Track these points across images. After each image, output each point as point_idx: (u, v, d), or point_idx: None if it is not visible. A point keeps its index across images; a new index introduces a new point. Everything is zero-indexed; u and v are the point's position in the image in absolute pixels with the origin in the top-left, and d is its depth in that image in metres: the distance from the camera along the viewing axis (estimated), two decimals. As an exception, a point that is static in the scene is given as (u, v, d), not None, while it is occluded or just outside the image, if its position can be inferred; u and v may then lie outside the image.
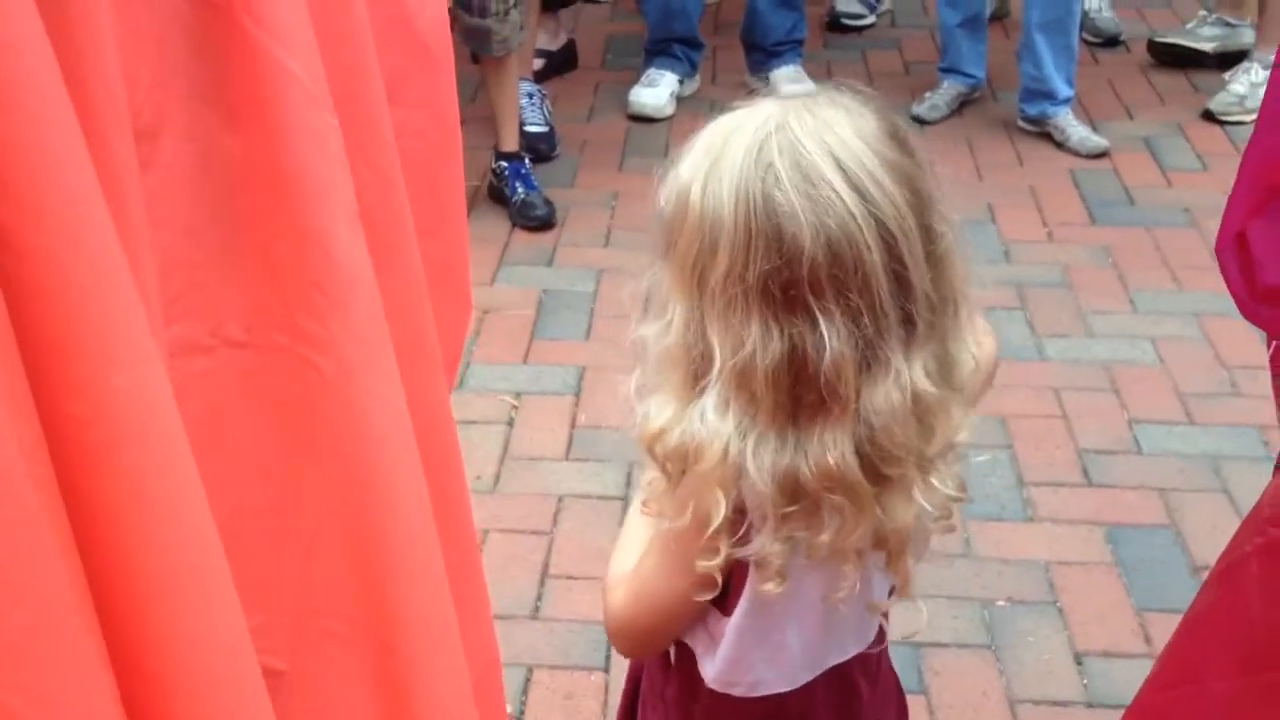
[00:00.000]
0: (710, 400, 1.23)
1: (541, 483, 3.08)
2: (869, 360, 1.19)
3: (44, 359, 0.63)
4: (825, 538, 1.25)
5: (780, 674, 1.43)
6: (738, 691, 1.43)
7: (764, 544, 1.25)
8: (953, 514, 1.34)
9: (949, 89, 4.72)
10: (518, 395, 3.35)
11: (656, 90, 4.73)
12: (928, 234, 1.21)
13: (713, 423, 1.23)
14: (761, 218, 1.18)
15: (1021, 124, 4.60)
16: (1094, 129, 4.56)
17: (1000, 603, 2.73)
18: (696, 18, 4.85)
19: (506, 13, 3.84)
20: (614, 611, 1.43)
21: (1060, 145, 4.50)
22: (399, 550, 0.90)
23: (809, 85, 4.64)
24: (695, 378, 1.25)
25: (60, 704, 0.63)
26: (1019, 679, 2.56)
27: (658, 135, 4.59)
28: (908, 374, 1.20)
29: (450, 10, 3.74)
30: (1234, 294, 1.60)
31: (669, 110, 4.72)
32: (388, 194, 0.95)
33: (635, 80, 4.79)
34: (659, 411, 1.27)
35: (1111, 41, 5.24)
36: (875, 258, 1.17)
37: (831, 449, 1.21)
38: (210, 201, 0.82)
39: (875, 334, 1.18)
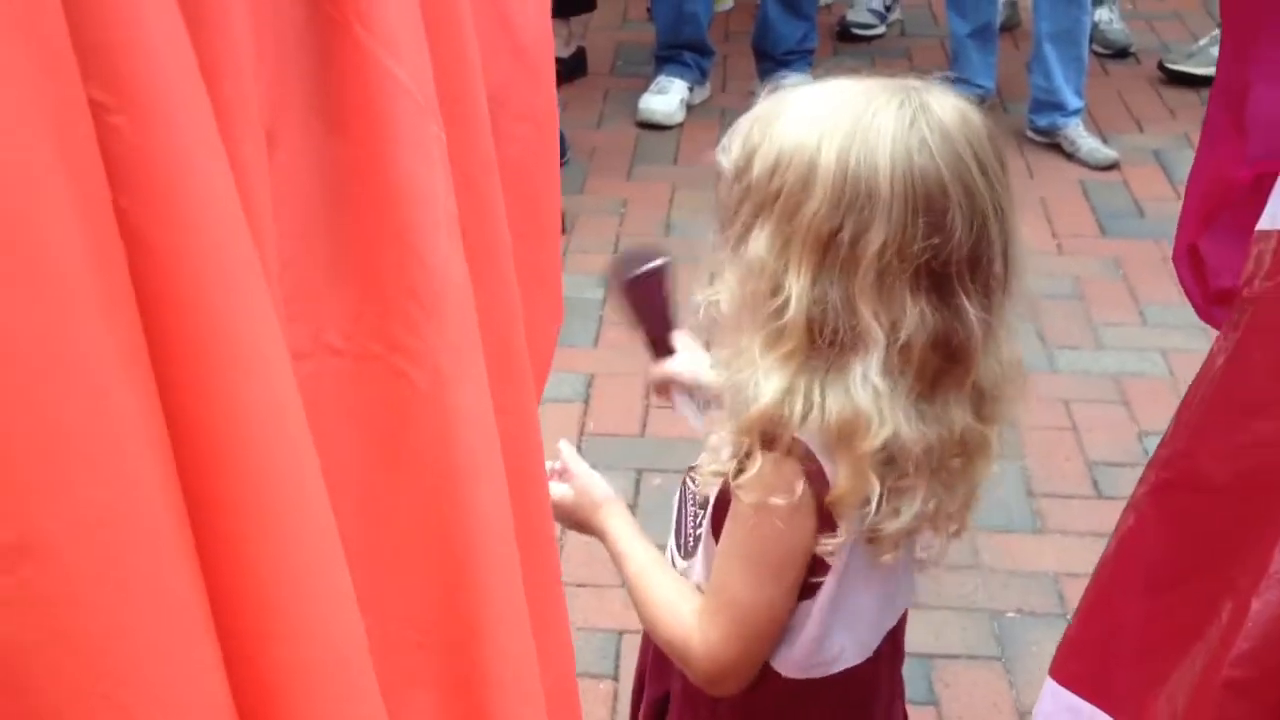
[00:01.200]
0: (872, 376, 1.23)
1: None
2: (988, 333, 1.26)
3: (174, 363, 0.63)
4: (931, 505, 1.30)
5: (858, 642, 1.44)
6: (818, 672, 1.43)
7: (885, 514, 1.28)
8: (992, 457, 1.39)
9: (959, 99, 4.71)
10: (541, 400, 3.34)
11: (666, 97, 4.73)
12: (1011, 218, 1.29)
13: (869, 399, 1.23)
14: (923, 197, 1.20)
15: (1031, 135, 4.59)
16: (1104, 141, 4.56)
17: (1010, 614, 2.72)
18: (706, 24, 4.85)
19: None
20: (718, 655, 1.39)
21: (1070, 157, 4.50)
22: (482, 564, 0.90)
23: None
24: (824, 349, 1.25)
25: (175, 705, 0.63)
26: (1029, 690, 2.55)
27: (667, 142, 4.59)
28: (1004, 336, 1.29)
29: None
30: (1190, 298, 1.76)
31: (679, 117, 4.72)
32: (485, 205, 0.95)
33: (645, 87, 4.79)
34: (767, 382, 1.26)
35: (1121, 53, 5.24)
36: (1000, 242, 1.24)
37: (958, 417, 1.26)
38: (319, 207, 0.82)
39: (992, 309, 1.26)
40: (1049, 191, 4.31)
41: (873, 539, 1.31)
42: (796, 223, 1.23)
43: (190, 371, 0.63)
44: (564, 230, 4.07)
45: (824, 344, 1.24)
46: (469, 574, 0.89)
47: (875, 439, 1.23)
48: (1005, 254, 1.26)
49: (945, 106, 1.24)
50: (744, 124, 1.31)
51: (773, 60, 4.78)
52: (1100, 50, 5.15)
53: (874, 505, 1.27)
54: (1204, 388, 1.13)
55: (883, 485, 1.26)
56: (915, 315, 1.21)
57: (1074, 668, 1.24)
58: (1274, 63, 1.43)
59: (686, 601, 1.44)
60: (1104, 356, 3.50)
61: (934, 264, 1.21)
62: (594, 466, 3.22)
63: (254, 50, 0.73)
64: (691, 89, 4.81)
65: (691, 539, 1.51)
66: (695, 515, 1.50)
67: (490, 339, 0.91)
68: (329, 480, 0.86)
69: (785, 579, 1.33)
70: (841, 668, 1.43)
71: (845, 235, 1.21)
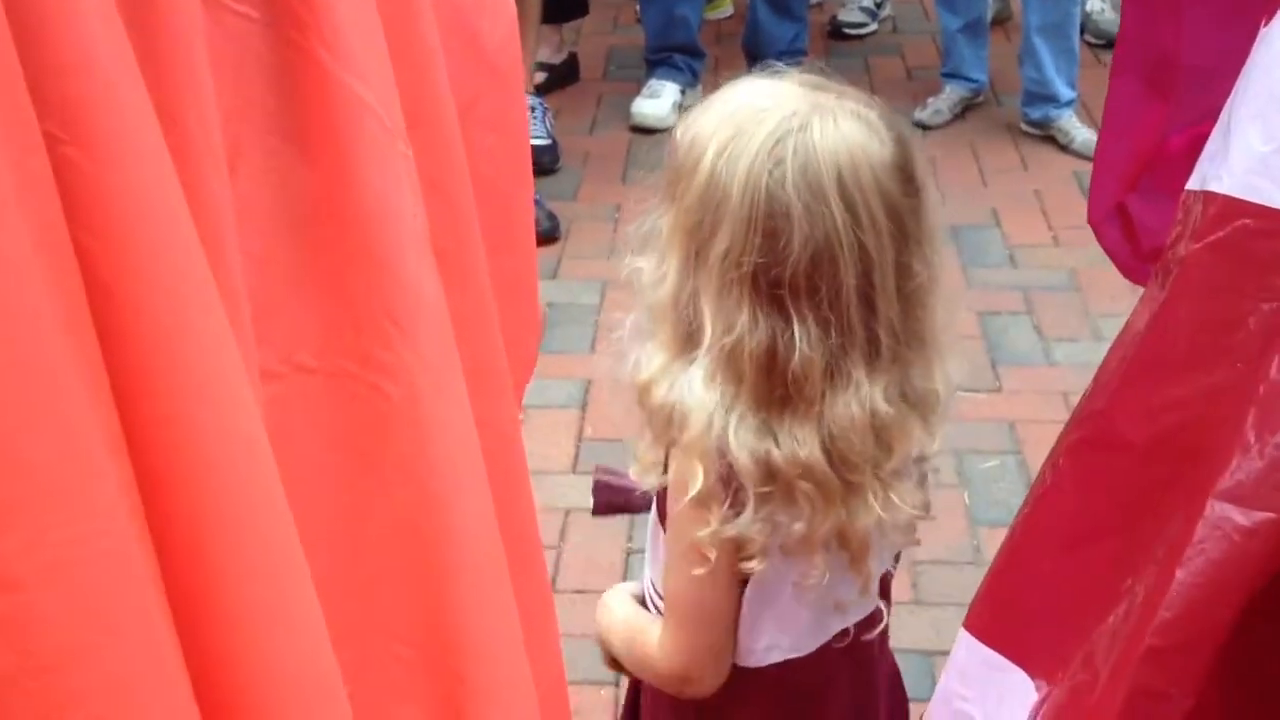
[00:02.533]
0: (698, 372, 1.30)
1: (548, 496, 3.07)
2: (834, 370, 1.28)
3: (133, 392, 0.64)
4: (799, 525, 1.32)
5: (790, 641, 1.45)
6: (750, 661, 1.44)
7: (745, 522, 1.31)
8: (915, 530, 1.42)
9: (951, 94, 4.72)
10: (523, 409, 3.34)
11: (659, 101, 4.74)
12: (903, 270, 1.29)
13: (699, 394, 1.30)
14: (763, 212, 1.25)
15: (1025, 127, 4.60)
16: (1098, 131, 4.55)
17: (1012, 609, 2.72)
18: (697, 27, 4.86)
19: None
20: (670, 653, 1.43)
21: (1064, 148, 4.50)
22: (465, 575, 0.90)
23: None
24: (684, 339, 1.32)
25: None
26: (1032, 686, 2.54)
27: (661, 146, 4.56)
28: (868, 391, 1.29)
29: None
30: (1115, 255, 1.80)
31: (672, 121, 4.72)
32: (458, 220, 0.96)
33: (637, 91, 4.79)
34: (649, 360, 1.34)
35: (1113, 43, 5.24)
36: (850, 279, 1.25)
37: (800, 444, 1.29)
38: (285, 231, 0.83)
39: (840, 347, 1.27)
40: (1043, 183, 4.31)
41: (740, 542, 1.33)
42: (678, 210, 1.30)
43: (148, 400, 0.64)
44: (558, 237, 4.08)
45: (684, 332, 1.31)
46: (452, 587, 0.90)
47: (691, 431, 1.29)
48: (868, 297, 1.27)
49: (830, 133, 1.25)
50: (699, 105, 1.37)
51: (764, 61, 4.78)
52: (1093, 40, 5.15)
53: (724, 504, 1.31)
54: (1126, 347, 1.12)
55: (727, 488, 1.30)
56: (745, 321, 1.26)
57: (988, 621, 1.25)
58: (1199, 30, 1.44)
59: (650, 620, 1.49)
60: (1102, 348, 3.46)
61: (766, 278, 1.25)
62: (591, 473, 3.24)
63: (213, 78, 0.73)
64: (684, 92, 4.81)
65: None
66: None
67: (468, 352, 0.92)
68: (307, 497, 0.87)
69: (706, 566, 1.34)
70: (775, 660, 1.45)
71: (703, 235, 1.28)
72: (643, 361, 1.35)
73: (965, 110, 4.74)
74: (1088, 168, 4.49)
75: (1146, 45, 1.63)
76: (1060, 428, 3.23)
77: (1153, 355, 1.08)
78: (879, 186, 1.26)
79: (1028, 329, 3.62)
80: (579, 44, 5.20)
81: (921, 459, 1.39)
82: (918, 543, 1.45)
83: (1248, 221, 1.01)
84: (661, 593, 1.48)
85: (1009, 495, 3.03)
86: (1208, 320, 1.02)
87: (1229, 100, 1.09)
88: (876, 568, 1.40)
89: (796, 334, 1.26)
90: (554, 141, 4.50)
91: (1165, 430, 1.04)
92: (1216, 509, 0.94)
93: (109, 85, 0.60)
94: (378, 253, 0.84)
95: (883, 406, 1.29)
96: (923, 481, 1.42)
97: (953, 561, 2.83)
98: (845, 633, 1.46)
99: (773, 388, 1.28)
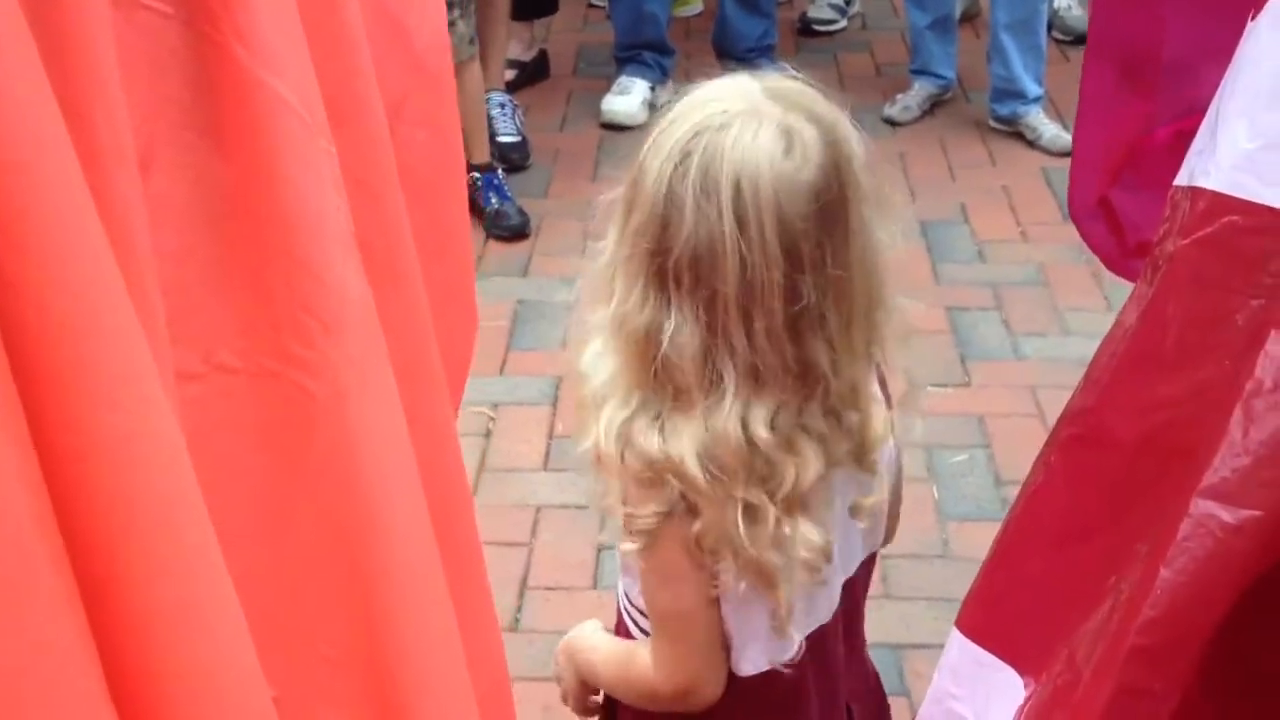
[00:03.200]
0: (598, 339, 1.36)
1: (519, 494, 3.07)
2: (711, 378, 1.30)
3: (41, 397, 0.63)
4: (698, 524, 1.33)
5: (761, 649, 1.44)
6: (738, 670, 1.44)
7: (629, 506, 1.35)
8: (819, 570, 1.39)
9: (920, 90, 4.73)
10: (494, 406, 3.34)
11: (629, 98, 4.73)
12: (790, 293, 1.28)
13: (591, 360, 1.37)
14: (663, 199, 1.28)
15: (993, 124, 4.61)
16: (1065, 127, 4.58)
17: (981, 603, 2.73)
18: (665, 23, 4.85)
19: (451, 23, 3.81)
20: (669, 670, 1.43)
21: (1032, 144, 4.52)
22: (395, 575, 0.89)
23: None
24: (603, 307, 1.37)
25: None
26: (1002, 679, 2.55)
27: (631, 143, 4.56)
28: (743, 411, 1.29)
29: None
30: (1100, 250, 1.78)
31: (642, 118, 4.72)
32: (386, 217, 0.95)
33: (607, 88, 4.79)
34: (583, 342, 1.40)
35: (1081, 39, 5.26)
36: (728, 286, 1.27)
37: (673, 438, 1.31)
38: (202, 228, 0.82)
39: (716, 350, 1.29)
40: (1011, 179, 4.33)
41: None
42: (623, 191, 1.35)
43: (55, 400, 0.63)
44: (529, 234, 4.07)
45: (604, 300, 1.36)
46: (382, 587, 0.88)
47: (588, 392, 1.36)
48: (745, 310, 1.27)
49: (744, 140, 1.26)
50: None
51: (734, 58, 4.78)
52: (1060, 37, 5.17)
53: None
54: (1115, 343, 1.12)
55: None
56: (636, 296, 1.31)
57: (979, 620, 1.24)
58: (1182, 22, 1.44)
59: (635, 645, 1.50)
60: (1070, 342, 3.52)
61: (655, 262, 1.30)
62: (563, 470, 3.24)
63: (122, 75, 0.73)
64: (654, 89, 4.81)
65: None
66: None
67: (399, 350, 0.91)
68: (231, 498, 0.86)
69: (680, 578, 1.36)
70: (752, 671, 1.44)
71: (626, 208, 1.33)
72: (585, 345, 1.40)
73: (934, 106, 4.76)
74: (1055, 163, 4.54)
75: (1120, 36, 1.63)
76: (1029, 421, 3.26)
77: (1142, 352, 1.08)
78: (776, 204, 1.26)
79: (996, 324, 3.63)
80: (549, 40, 5.19)
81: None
82: (822, 583, 1.42)
83: (1235, 218, 1.01)
84: (640, 607, 1.48)
85: (978, 490, 3.04)
86: (1196, 317, 1.02)
87: (1216, 95, 1.09)
88: (786, 598, 1.38)
89: (674, 321, 1.29)
90: (524, 138, 4.50)
91: (1154, 427, 1.04)
92: (1201, 506, 0.94)
93: (9, 82, 0.59)
94: (299, 250, 0.83)
95: (763, 432, 1.29)
96: (827, 532, 1.38)
97: (922, 555, 2.84)
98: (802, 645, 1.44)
99: (650, 373, 1.31)
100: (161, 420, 0.68)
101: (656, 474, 1.32)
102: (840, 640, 1.53)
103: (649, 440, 1.31)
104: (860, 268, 1.32)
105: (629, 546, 1.40)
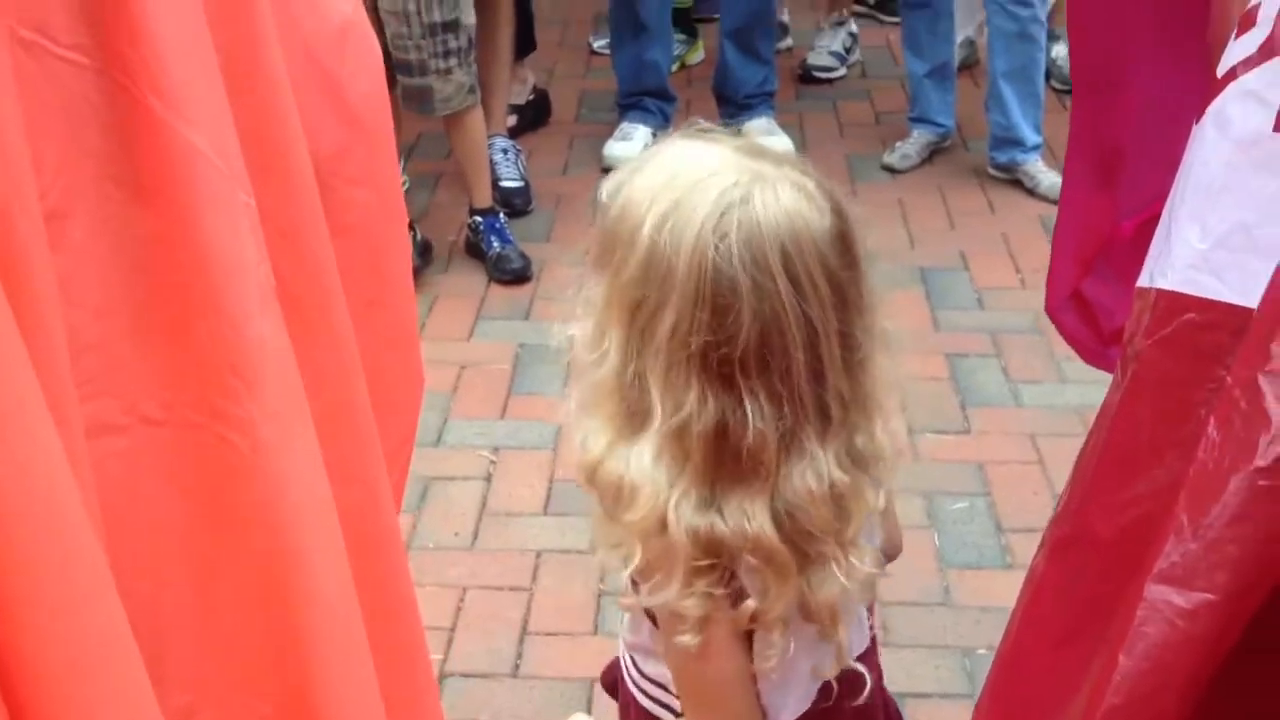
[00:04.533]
0: (647, 449, 1.26)
1: (520, 538, 3.06)
2: (788, 444, 1.25)
3: None
4: (750, 603, 1.28)
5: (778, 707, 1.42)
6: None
7: (673, 595, 1.28)
8: (875, 586, 1.39)
9: (919, 138, 4.76)
10: (495, 450, 3.35)
11: (630, 144, 4.76)
12: (847, 340, 1.27)
13: (648, 470, 1.26)
14: (710, 288, 1.21)
15: (992, 171, 4.63)
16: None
17: (981, 651, 2.72)
18: (667, 71, 4.89)
19: (449, 71, 3.84)
20: None
21: (1031, 192, 4.53)
22: (320, 634, 0.89)
23: (783, 139, 4.69)
24: (629, 417, 1.28)
25: None
26: (1001, 727, 2.55)
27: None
28: (824, 460, 1.26)
29: (387, 74, 3.77)
30: (1077, 343, 1.81)
31: (643, 163, 4.74)
32: (311, 268, 0.94)
33: (609, 134, 4.82)
34: (595, 440, 1.30)
35: (1079, 89, 5.30)
36: (799, 353, 1.23)
37: (749, 518, 1.25)
38: (122, 280, 0.82)
39: (794, 420, 1.25)
40: (1010, 227, 4.34)
41: (674, 616, 1.30)
42: (616, 282, 1.26)
43: None
44: (530, 278, 4.09)
45: (628, 410, 1.27)
46: (308, 645, 0.88)
47: (638, 509, 1.26)
48: (816, 370, 1.24)
49: (772, 205, 1.22)
50: (627, 164, 1.33)
51: (734, 104, 4.81)
52: (1058, 86, 5.19)
53: (627, 572, 1.31)
54: (1095, 442, 1.14)
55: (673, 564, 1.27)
56: (694, 400, 1.23)
57: (990, 715, 1.25)
58: (1144, 123, 1.47)
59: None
60: (1068, 390, 3.52)
61: (716, 355, 1.22)
62: (564, 514, 3.25)
63: (38, 124, 0.72)
64: (655, 134, 4.82)
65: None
66: None
67: (322, 404, 0.90)
68: (157, 551, 0.85)
69: (695, 639, 1.30)
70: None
71: (648, 312, 1.24)
72: (589, 440, 1.29)
73: (933, 154, 4.78)
74: (1053, 211, 4.52)
75: (1097, 136, 1.66)
76: (1028, 468, 3.25)
77: (1119, 451, 1.10)
78: (821, 258, 1.23)
79: (996, 371, 3.64)
80: (551, 85, 5.23)
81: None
82: (874, 598, 1.43)
83: (1192, 315, 1.02)
84: (659, 681, 1.45)
85: (979, 536, 3.04)
86: (1162, 414, 1.04)
87: (1169, 197, 1.12)
88: (845, 634, 1.36)
89: (749, 410, 1.23)
90: (526, 183, 4.52)
91: (1129, 523, 1.05)
92: (1154, 592, 0.94)
93: None
94: (218, 302, 0.83)
95: (839, 474, 1.27)
96: (871, 538, 1.38)
97: (922, 603, 2.84)
98: (829, 690, 1.42)
99: (721, 463, 1.25)
100: (60, 480, 0.67)
101: (721, 554, 1.27)
102: (871, 669, 1.50)
103: (712, 522, 1.25)
104: (876, 301, 1.32)
105: (647, 630, 1.36)
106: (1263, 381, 0.86)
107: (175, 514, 0.87)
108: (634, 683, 1.52)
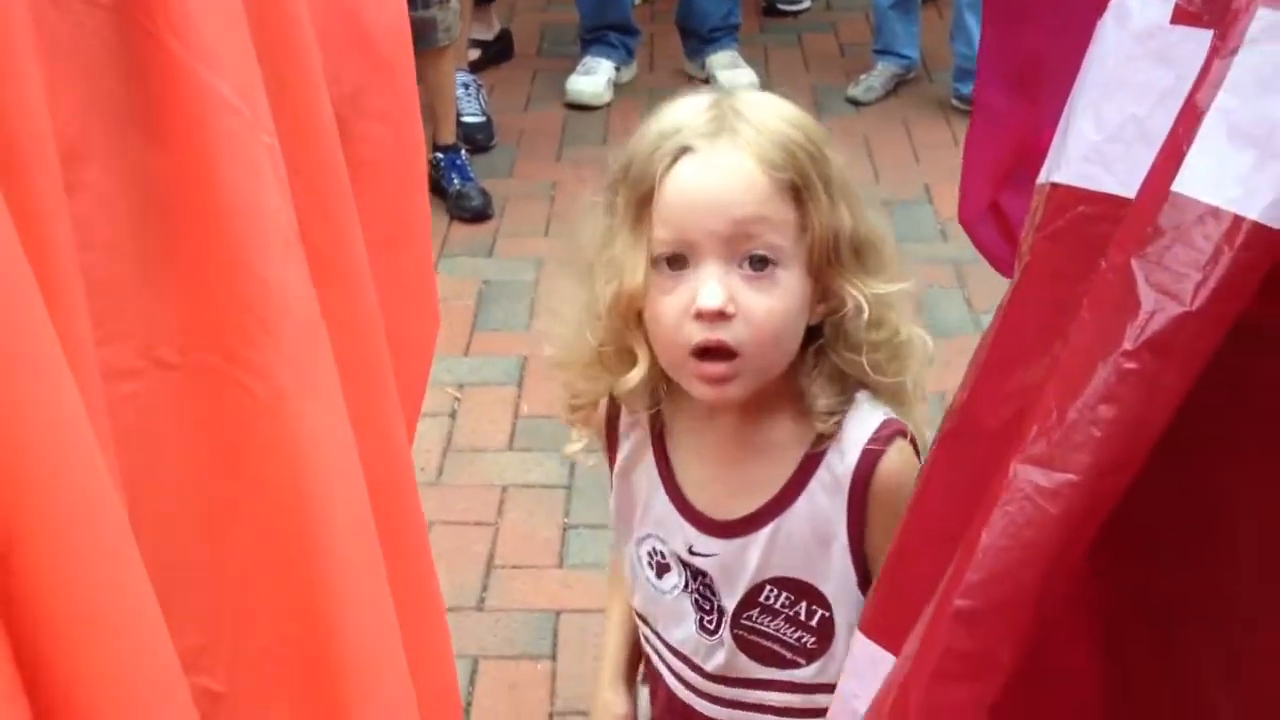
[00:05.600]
0: None
1: (485, 474, 3.07)
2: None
3: None
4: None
5: None
6: None
7: None
8: None
9: (884, 70, 4.74)
10: (460, 386, 3.34)
11: (593, 78, 4.72)
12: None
13: None
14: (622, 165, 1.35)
15: (956, 103, 4.63)
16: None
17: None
18: (630, 4, 4.85)
19: (429, 13, 3.79)
20: None
21: (995, 124, 4.53)
22: (338, 579, 0.88)
23: (748, 72, 4.66)
24: None
25: None
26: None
27: (595, 123, 4.58)
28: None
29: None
30: (989, 253, 1.83)
31: (606, 97, 4.72)
32: (332, 212, 0.93)
33: (572, 69, 4.78)
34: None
35: (1044, 20, 5.28)
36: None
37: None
38: (139, 223, 0.81)
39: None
40: (975, 160, 4.35)
41: None
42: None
43: None
44: (492, 214, 4.06)
45: None
46: (326, 591, 0.87)
47: None
48: None
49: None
50: None
51: (698, 38, 4.78)
52: (1023, 17, 5.20)
53: None
54: (985, 338, 1.15)
55: None
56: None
57: (876, 620, 1.26)
58: (1058, 32, 1.47)
59: None
60: (1032, 321, 3.54)
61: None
62: (529, 449, 3.25)
63: (55, 67, 0.71)
64: (618, 69, 4.80)
65: (715, 610, 1.44)
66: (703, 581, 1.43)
67: (344, 350, 0.89)
68: (172, 495, 0.84)
69: None
70: None
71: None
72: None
73: (898, 86, 4.77)
74: (1018, 143, 4.53)
75: (1009, 49, 1.66)
76: (991, 400, 3.27)
77: (1006, 344, 1.10)
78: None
79: (958, 302, 3.65)
80: (512, 21, 5.18)
81: None
82: None
83: (1083, 208, 1.03)
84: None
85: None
86: (1050, 306, 1.04)
87: (1070, 94, 1.12)
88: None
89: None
90: (489, 119, 4.48)
91: (1012, 416, 1.06)
92: (1019, 472, 0.95)
93: None
94: (237, 247, 0.81)
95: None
96: None
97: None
98: None
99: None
100: (71, 413, 0.66)
101: None
102: None
103: None
104: None
105: None
106: (1135, 265, 0.87)
107: (189, 459, 0.86)
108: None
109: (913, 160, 4.36)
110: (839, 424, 1.36)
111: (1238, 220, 0.79)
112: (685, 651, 1.46)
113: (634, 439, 1.45)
